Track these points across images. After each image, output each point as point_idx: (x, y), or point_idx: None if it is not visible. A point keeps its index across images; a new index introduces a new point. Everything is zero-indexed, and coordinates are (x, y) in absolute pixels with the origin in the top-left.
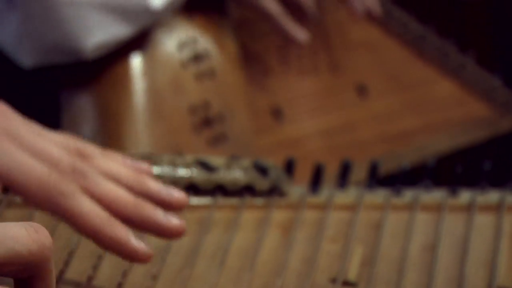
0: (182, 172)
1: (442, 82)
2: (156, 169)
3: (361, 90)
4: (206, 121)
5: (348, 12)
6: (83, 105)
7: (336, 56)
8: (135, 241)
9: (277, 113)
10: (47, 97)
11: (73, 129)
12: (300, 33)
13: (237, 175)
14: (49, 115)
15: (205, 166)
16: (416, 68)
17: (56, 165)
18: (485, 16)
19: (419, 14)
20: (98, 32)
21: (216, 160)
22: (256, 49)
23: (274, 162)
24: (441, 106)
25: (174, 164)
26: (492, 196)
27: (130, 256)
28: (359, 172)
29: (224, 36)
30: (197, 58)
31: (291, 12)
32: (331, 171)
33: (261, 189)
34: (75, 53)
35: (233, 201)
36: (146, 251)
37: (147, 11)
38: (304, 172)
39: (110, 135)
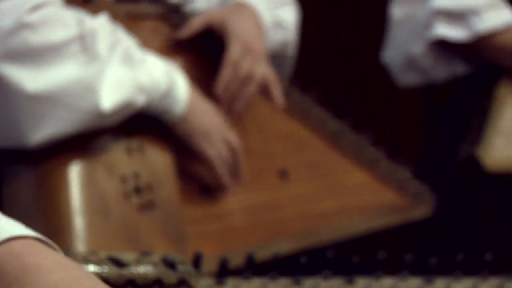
0: (95, 268)
1: (357, 171)
2: None
3: (282, 174)
4: (136, 189)
5: (271, 104)
6: (23, 174)
7: (257, 146)
8: None
9: (205, 189)
10: None
11: (12, 196)
12: (227, 182)
13: (146, 270)
14: None
15: (116, 262)
16: (333, 158)
17: None
18: (398, 114)
19: (337, 111)
20: (48, 126)
21: (127, 256)
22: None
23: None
24: (356, 192)
25: (87, 260)
26: (386, 282)
27: None
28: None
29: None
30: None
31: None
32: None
33: (169, 282)
34: (21, 141)
35: None
36: None
37: (98, 114)
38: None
39: (46, 201)
